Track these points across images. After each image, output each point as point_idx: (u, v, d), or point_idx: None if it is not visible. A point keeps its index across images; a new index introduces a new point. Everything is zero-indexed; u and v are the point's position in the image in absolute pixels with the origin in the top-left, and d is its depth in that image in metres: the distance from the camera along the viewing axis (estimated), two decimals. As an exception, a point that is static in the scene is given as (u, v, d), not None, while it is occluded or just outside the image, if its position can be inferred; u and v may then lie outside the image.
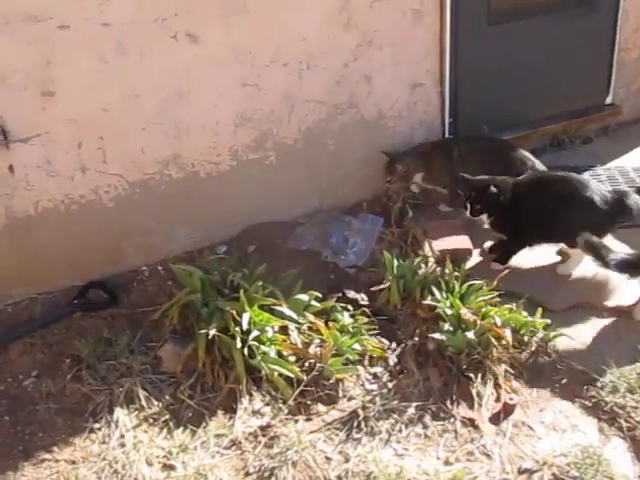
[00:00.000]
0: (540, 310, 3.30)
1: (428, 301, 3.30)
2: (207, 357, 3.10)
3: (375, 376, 3.16)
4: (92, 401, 3.06)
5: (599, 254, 3.18)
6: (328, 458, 2.83)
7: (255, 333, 3.07)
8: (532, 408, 3.02)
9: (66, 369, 3.20)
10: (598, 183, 3.64)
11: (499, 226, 3.65)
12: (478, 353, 3.12)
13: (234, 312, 3.11)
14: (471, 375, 3.09)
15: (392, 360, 3.22)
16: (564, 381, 3.11)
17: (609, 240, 3.47)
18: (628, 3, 4.57)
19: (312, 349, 3.15)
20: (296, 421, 2.97)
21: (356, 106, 3.97)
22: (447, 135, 4.35)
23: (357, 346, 3.18)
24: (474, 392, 3.04)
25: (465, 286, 3.32)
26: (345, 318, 3.28)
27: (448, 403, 3.03)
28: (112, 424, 2.96)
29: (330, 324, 3.22)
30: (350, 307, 3.36)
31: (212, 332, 3.06)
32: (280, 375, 3.06)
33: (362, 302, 3.44)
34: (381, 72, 3.96)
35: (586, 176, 3.87)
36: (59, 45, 3.17)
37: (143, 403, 3.03)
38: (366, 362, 3.20)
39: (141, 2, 3.25)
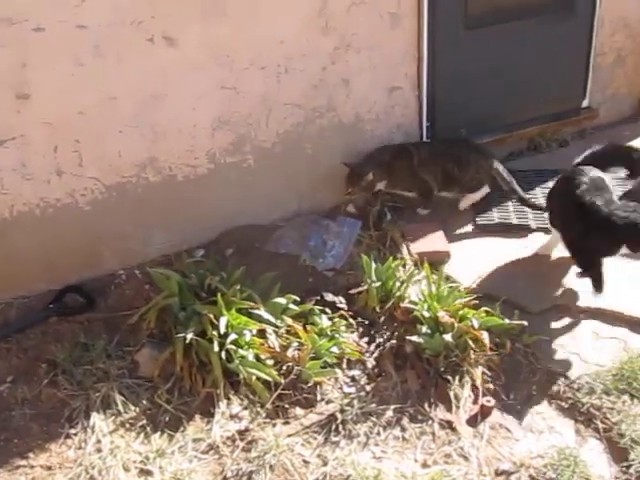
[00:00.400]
0: (517, 312, 3.32)
1: (406, 304, 3.31)
2: (185, 361, 3.08)
3: (353, 379, 3.16)
4: (68, 406, 3.03)
5: None
6: (306, 462, 2.82)
7: (233, 337, 3.06)
8: (509, 410, 3.04)
9: (42, 374, 3.17)
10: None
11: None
12: (456, 356, 3.13)
13: (212, 316, 3.10)
14: (449, 377, 3.10)
15: (370, 363, 3.22)
16: (541, 383, 3.13)
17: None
18: (604, 8, 4.61)
19: (290, 352, 3.15)
20: (274, 425, 2.96)
21: (334, 110, 3.97)
22: (425, 139, 4.37)
23: (335, 349, 3.18)
24: (452, 394, 3.05)
25: (443, 289, 3.33)
26: (323, 321, 3.28)
27: (426, 406, 3.04)
28: (88, 429, 2.93)
29: (308, 327, 3.22)
30: (328, 310, 3.36)
31: (189, 336, 3.05)
32: (258, 379, 3.05)
33: (340, 305, 3.44)
34: (359, 75, 3.96)
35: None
36: (34, 47, 3.14)
37: (120, 408, 3.01)
38: (344, 365, 3.20)
39: (117, 5, 3.23)
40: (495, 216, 4.08)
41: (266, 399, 3.01)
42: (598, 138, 4.80)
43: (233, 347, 3.06)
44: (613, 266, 3.59)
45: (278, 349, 3.13)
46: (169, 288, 3.30)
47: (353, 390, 3.11)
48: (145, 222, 3.70)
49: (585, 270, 3.44)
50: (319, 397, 3.08)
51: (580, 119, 4.86)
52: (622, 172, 3.59)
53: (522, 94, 4.59)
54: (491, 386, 3.11)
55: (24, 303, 3.54)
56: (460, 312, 3.22)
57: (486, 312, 3.28)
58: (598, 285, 3.35)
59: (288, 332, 3.22)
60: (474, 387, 3.09)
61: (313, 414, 3.02)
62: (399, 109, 4.20)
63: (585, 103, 4.89)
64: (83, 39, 3.22)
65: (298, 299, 3.32)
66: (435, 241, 3.84)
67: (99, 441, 2.89)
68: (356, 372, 3.19)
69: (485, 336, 3.15)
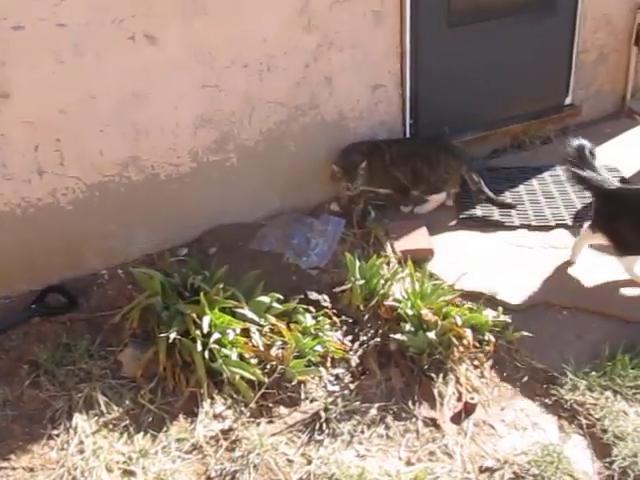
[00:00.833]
0: (500, 309, 3.33)
1: (390, 302, 3.30)
2: (168, 361, 3.06)
3: (337, 377, 3.15)
4: (50, 407, 3.00)
5: None
6: (290, 461, 2.81)
7: (216, 336, 3.05)
8: (493, 407, 3.04)
9: (24, 375, 3.14)
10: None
11: None
12: (439, 353, 3.12)
13: (195, 315, 3.08)
14: (432, 375, 3.09)
15: (354, 361, 3.21)
16: (525, 380, 3.13)
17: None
18: (586, 5, 4.64)
19: (274, 351, 3.14)
20: (258, 424, 2.94)
21: (317, 107, 3.96)
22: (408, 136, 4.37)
23: (319, 348, 3.17)
24: (436, 392, 3.05)
25: (426, 286, 3.33)
26: (307, 320, 3.27)
27: (410, 403, 3.03)
28: (71, 430, 2.90)
29: (292, 326, 3.21)
30: (312, 309, 3.35)
31: (172, 335, 3.03)
32: (242, 378, 3.03)
33: (324, 303, 3.43)
34: (342, 73, 3.95)
35: None
36: (14, 46, 3.11)
37: (103, 408, 2.98)
38: (328, 363, 3.19)
39: (98, 3, 3.21)
40: (479, 213, 4.09)
41: (250, 398, 3.00)
42: (581, 135, 4.83)
43: (216, 346, 3.04)
44: (596, 264, 3.62)
45: (262, 348, 3.12)
46: (152, 287, 3.28)
47: (337, 388, 3.10)
48: (128, 221, 3.67)
49: None
50: (303, 396, 3.07)
51: (563, 116, 4.89)
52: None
53: (505, 92, 4.61)
54: (475, 383, 3.11)
55: (5, 304, 3.51)
56: (444, 309, 3.22)
57: (470, 309, 3.30)
58: None
59: (272, 331, 3.21)
60: (458, 384, 3.09)
61: (297, 413, 3.00)
62: (382, 107, 4.20)
63: (568, 100, 4.92)
64: (63, 37, 3.20)
65: (282, 298, 3.31)
66: (419, 239, 3.84)
67: (82, 442, 2.86)
68: (340, 370, 3.18)
69: (469, 333, 3.15)
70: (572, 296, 3.46)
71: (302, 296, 3.44)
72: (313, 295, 3.46)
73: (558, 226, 3.97)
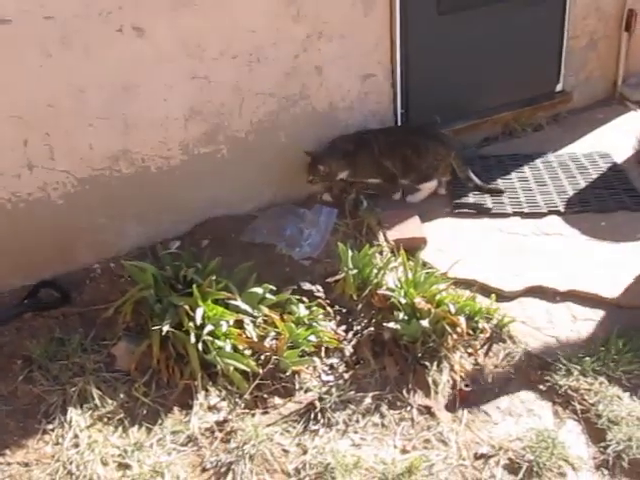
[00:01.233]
0: (494, 296, 3.33)
1: (383, 291, 3.30)
2: (161, 353, 3.05)
3: (331, 367, 3.15)
4: (45, 402, 2.99)
5: None
6: (285, 451, 2.81)
7: (209, 328, 3.04)
8: (488, 394, 3.04)
9: (17, 370, 3.12)
10: None
11: None
12: (433, 341, 3.12)
13: (188, 307, 3.07)
14: (427, 363, 3.09)
15: (348, 351, 3.21)
16: (519, 366, 3.13)
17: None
18: (576, -9, 4.63)
19: (267, 342, 3.14)
20: (253, 415, 2.94)
21: (307, 98, 3.95)
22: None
23: (313, 338, 3.17)
24: (430, 380, 3.05)
25: (419, 275, 3.33)
26: (300, 310, 3.26)
27: (404, 392, 3.03)
28: (65, 424, 2.90)
29: (285, 317, 3.20)
30: (305, 299, 3.34)
31: (166, 328, 3.02)
32: (236, 369, 3.03)
33: (317, 294, 3.42)
34: (332, 63, 3.94)
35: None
36: (1, 39, 3.09)
37: (97, 402, 2.97)
38: (322, 353, 3.19)
39: (85, -5, 3.20)
40: (471, 201, 4.09)
41: (244, 389, 3.00)
42: (573, 122, 4.85)
43: (210, 338, 3.03)
44: (585, 248, 3.63)
45: (255, 339, 3.12)
46: (144, 280, 3.27)
47: (331, 378, 3.10)
48: (119, 215, 3.66)
49: None
50: (297, 386, 3.07)
51: (554, 103, 4.89)
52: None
53: (496, 79, 4.61)
54: (469, 370, 3.12)
55: (-3, 299, 3.50)
56: (437, 297, 3.22)
57: (463, 297, 3.29)
58: None
59: (265, 322, 3.20)
60: (452, 372, 3.10)
61: (292, 403, 3.01)
62: (373, 96, 4.19)
63: (559, 87, 4.92)
64: (50, 30, 3.17)
65: (275, 289, 3.30)
66: (411, 227, 3.84)
67: (76, 436, 2.86)
68: (334, 360, 3.18)
69: (462, 321, 3.16)
70: (565, 282, 3.45)
71: (295, 287, 3.43)
72: (306, 285, 3.46)
73: (550, 213, 3.97)
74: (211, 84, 3.64)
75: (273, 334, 3.16)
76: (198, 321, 3.03)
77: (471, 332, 3.21)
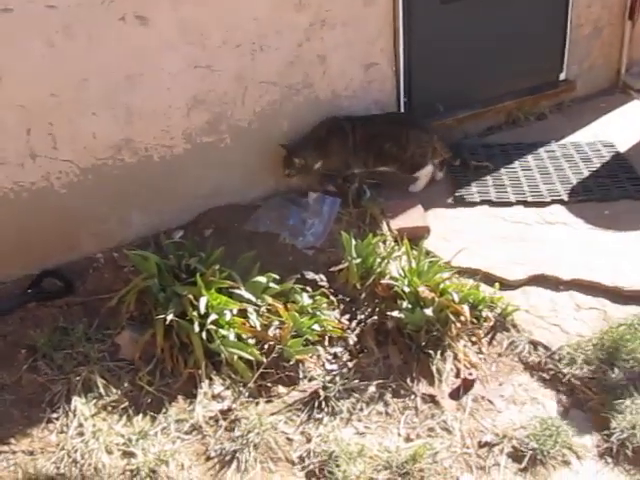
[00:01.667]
0: (497, 285, 3.33)
1: (386, 280, 3.30)
2: (165, 342, 3.06)
3: (335, 356, 3.16)
4: (49, 391, 3.00)
5: None
6: (290, 439, 2.83)
7: (213, 317, 3.05)
8: (491, 382, 3.05)
9: (22, 360, 3.13)
10: None
11: None
12: (437, 330, 3.13)
13: (191, 296, 3.08)
14: (430, 352, 3.10)
15: (352, 339, 3.22)
16: (523, 354, 3.14)
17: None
18: (580, -21, 4.60)
19: (271, 331, 3.14)
20: (257, 403, 2.95)
21: (310, 86, 3.94)
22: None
23: (316, 327, 3.17)
24: (434, 369, 3.06)
25: (423, 264, 3.33)
26: (304, 299, 3.27)
27: (408, 380, 3.04)
28: (70, 413, 2.91)
29: (289, 306, 3.20)
30: (309, 288, 3.35)
31: (170, 317, 3.03)
32: (240, 358, 3.04)
33: (321, 283, 3.43)
34: (335, 52, 3.92)
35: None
36: (3, 29, 3.07)
37: (101, 391, 2.99)
38: (326, 342, 3.20)
39: (87, -17, 3.19)
40: (474, 190, 4.08)
41: (248, 378, 3.01)
42: (576, 110, 4.83)
43: (214, 327, 3.04)
44: (589, 237, 3.63)
45: (259, 328, 3.12)
46: (148, 270, 3.27)
47: (335, 367, 3.11)
48: (122, 204, 3.66)
49: None
50: (301, 375, 3.08)
51: (558, 92, 4.87)
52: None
53: (499, 68, 4.58)
54: (473, 359, 3.12)
55: (1, 289, 3.49)
56: (440, 286, 3.23)
57: (466, 286, 3.29)
58: None
59: (269, 311, 3.21)
60: (456, 360, 3.10)
61: (296, 392, 3.01)
62: (376, 85, 4.18)
63: (562, 76, 4.89)
64: (53, 19, 3.16)
65: (278, 278, 3.30)
66: (414, 217, 3.84)
67: (81, 425, 2.87)
68: (338, 349, 3.19)
69: (466, 309, 3.16)
70: (569, 271, 3.45)
71: (299, 276, 3.44)
72: (310, 275, 3.46)
73: (554, 202, 3.96)
74: (214, 73, 3.63)
75: (277, 323, 3.17)
76: (202, 310, 3.03)
77: (475, 321, 3.22)
